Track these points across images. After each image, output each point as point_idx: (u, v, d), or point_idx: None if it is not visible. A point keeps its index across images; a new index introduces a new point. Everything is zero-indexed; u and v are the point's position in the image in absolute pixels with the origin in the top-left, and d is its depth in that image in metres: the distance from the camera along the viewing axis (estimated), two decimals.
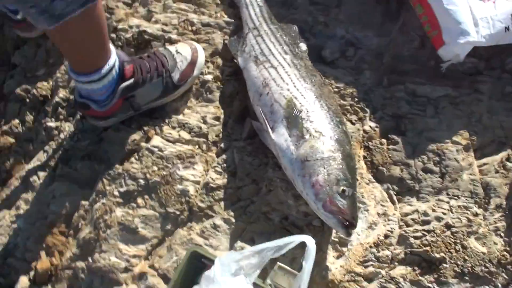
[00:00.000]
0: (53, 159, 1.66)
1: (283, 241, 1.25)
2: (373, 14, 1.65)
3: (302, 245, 1.25)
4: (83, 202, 1.59)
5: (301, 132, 1.38)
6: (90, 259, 1.50)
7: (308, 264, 1.20)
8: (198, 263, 1.33)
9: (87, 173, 1.62)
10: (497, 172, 1.42)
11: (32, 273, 1.56)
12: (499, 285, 1.32)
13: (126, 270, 1.47)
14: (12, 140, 1.78)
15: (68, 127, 1.69)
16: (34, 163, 1.69)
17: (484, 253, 1.34)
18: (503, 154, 1.44)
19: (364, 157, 1.48)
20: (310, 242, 1.22)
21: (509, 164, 1.42)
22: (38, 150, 1.72)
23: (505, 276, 1.33)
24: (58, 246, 1.57)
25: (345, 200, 1.31)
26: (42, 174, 1.65)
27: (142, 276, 1.46)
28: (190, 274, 1.31)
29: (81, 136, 1.64)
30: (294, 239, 1.23)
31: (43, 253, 1.56)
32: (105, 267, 1.47)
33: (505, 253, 1.35)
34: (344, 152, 1.37)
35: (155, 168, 1.54)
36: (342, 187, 1.31)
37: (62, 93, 1.76)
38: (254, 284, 1.23)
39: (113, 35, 1.77)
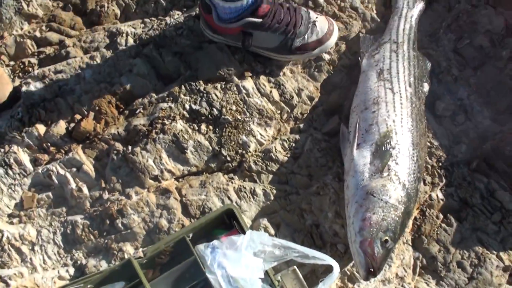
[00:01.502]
0: (148, 36, 1.62)
1: (313, 253, 1.26)
2: (502, 97, 1.61)
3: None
4: (152, 94, 1.57)
5: (382, 167, 1.37)
6: (130, 148, 1.50)
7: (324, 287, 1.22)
8: (225, 220, 1.34)
9: (171, 70, 1.59)
10: None
11: (72, 124, 1.56)
12: None
13: (155, 178, 1.48)
14: None
15: (177, 15, 1.64)
16: (128, 26, 1.66)
17: None
18: None
19: (415, 218, 1.48)
20: (336, 270, 1.23)
21: None
22: (138, 17, 1.69)
23: None
24: (108, 117, 1.56)
25: (382, 249, 1.32)
26: (130, 41, 1.62)
27: (165, 192, 1.47)
28: (214, 225, 1.33)
29: (185, 33, 1.61)
30: (324, 259, 1.24)
31: (91, 114, 1.55)
32: (139, 164, 1.48)
33: None
34: (407, 209, 1.37)
35: (234, 107, 1.52)
36: (387, 237, 1.32)
37: None
38: (266, 272, 1.25)
39: None
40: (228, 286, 1.21)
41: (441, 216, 1.49)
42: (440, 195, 1.51)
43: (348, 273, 1.42)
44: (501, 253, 1.47)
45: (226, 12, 1.48)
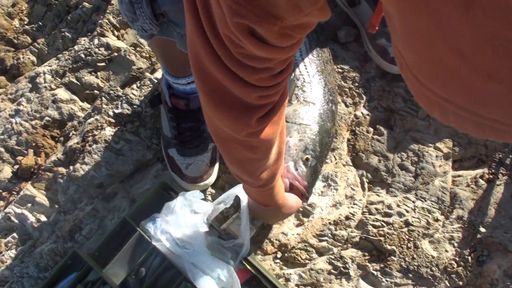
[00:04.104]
0: (62, 67, 1.73)
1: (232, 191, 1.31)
2: None
3: None
4: (79, 114, 1.66)
5: (290, 97, 1.43)
6: (71, 167, 1.58)
7: (243, 220, 1.27)
8: (165, 194, 1.40)
9: (90, 88, 1.69)
10: (468, 186, 1.46)
11: (16, 166, 1.65)
12: None
13: (100, 186, 1.55)
14: (30, 40, 1.86)
15: (84, 41, 1.76)
16: (45, 66, 1.77)
17: (433, 257, 1.39)
18: (478, 171, 1.48)
19: (348, 140, 1.53)
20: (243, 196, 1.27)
21: (481, 182, 1.46)
22: (52, 56, 1.80)
23: (447, 284, 1.38)
24: (46, 148, 1.65)
25: (306, 168, 1.36)
26: (48, 78, 1.73)
27: (113, 195, 1.53)
28: (156, 202, 1.39)
29: (94, 52, 1.71)
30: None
31: (31, 151, 1.65)
32: (83, 178, 1.56)
33: (453, 262, 1.40)
34: (322, 127, 1.41)
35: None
36: (307, 156, 1.36)
37: (86, 6, 1.83)
38: (211, 225, 1.30)
39: None
40: (175, 247, 1.26)
41: (371, 129, 1.53)
42: (365, 112, 1.55)
43: (301, 209, 1.46)
44: (437, 144, 1.50)
45: None
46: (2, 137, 1.68)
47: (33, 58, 1.83)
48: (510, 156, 1.48)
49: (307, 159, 1.34)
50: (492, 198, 1.44)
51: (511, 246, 1.40)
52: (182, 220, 1.26)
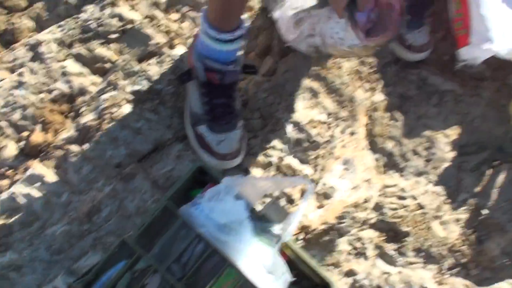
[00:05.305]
0: (70, 36, 1.64)
1: (285, 180, 1.35)
2: None
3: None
4: (89, 89, 1.60)
5: None
6: (86, 145, 1.53)
7: (302, 206, 1.32)
8: (197, 179, 1.41)
9: (103, 61, 1.63)
10: (472, 171, 1.59)
11: (22, 143, 1.57)
12: (445, 267, 1.51)
13: (118, 165, 1.53)
14: (26, 3, 1.73)
15: (92, 8, 1.67)
16: (46, 34, 1.67)
17: (442, 237, 1.52)
18: (482, 157, 1.61)
19: (366, 124, 1.60)
20: (311, 187, 1.32)
21: (484, 168, 1.59)
22: (52, 23, 1.70)
23: (451, 261, 1.52)
24: (55, 124, 1.58)
25: None
26: (54, 47, 1.64)
27: (132, 176, 1.51)
28: (187, 188, 1.39)
29: (105, 22, 1.64)
30: (298, 180, 1.34)
31: (38, 127, 1.57)
32: (99, 157, 1.52)
33: (456, 241, 1.53)
34: None
35: (173, 77, 1.58)
36: None
37: None
38: (251, 210, 1.33)
39: None
40: (220, 234, 1.28)
41: (387, 115, 1.61)
42: (381, 97, 1.62)
43: (322, 193, 1.53)
44: (446, 130, 1.61)
45: None
46: (2, 110, 1.59)
47: (30, 24, 1.72)
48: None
49: None
50: (494, 182, 1.58)
51: (508, 226, 1.55)
52: (227, 206, 1.28)
